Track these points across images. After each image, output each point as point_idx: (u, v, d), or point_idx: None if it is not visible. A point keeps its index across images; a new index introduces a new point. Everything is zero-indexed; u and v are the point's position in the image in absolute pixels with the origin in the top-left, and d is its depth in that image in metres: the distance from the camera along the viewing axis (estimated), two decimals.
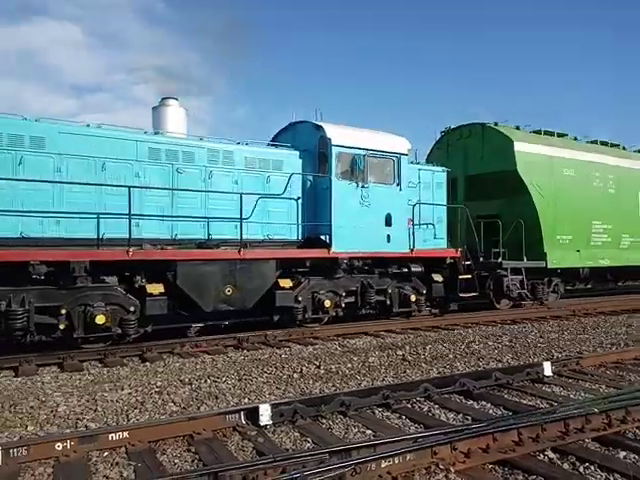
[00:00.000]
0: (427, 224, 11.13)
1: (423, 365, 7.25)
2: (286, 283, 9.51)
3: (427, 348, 8.28)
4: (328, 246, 9.77)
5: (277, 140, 11.13)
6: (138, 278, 8.19)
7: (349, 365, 7.18)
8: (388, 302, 10.67)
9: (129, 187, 7.97)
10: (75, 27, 68.72)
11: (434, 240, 11.38)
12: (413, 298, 10.77)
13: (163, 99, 10.18)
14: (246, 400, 5.58)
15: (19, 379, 6.57)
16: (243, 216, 8.86)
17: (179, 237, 8.86)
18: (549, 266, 12.94)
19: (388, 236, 10.43)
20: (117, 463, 3.94)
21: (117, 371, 6.98)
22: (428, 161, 14.07)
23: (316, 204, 10.03)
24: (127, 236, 7.91)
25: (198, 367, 7.15)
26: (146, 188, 8.47)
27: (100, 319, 7.62)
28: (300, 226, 9.94)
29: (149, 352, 8.16)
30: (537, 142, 13.54)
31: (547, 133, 14.46)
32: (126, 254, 7.82)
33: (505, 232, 12.51)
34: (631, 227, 15.00)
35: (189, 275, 8.48)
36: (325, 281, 9.99)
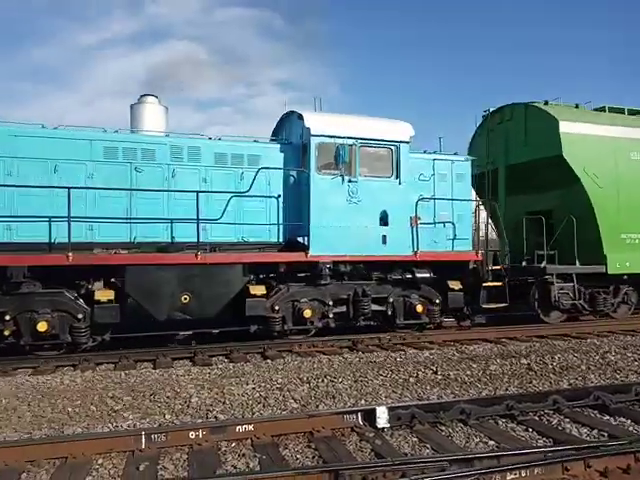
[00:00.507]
0: (439, 223, 9.69)
1: (551, 376, 6.77)
2: (258, 290, 8.51)
3: (555, 357, 7.71)
4: (306, 249, 8.79)
5: (275, 134, 10.32)
6: (84, 284, 7.84)
7: (468, 372, 6.92)
8: (390, 312, 9.35)
9: (68, 188, 7.50)
10: (198, 46, 74.29)
11: (449, 241, 9.74)
12: (420, 309, 9.31)
13: (141, 96, 9.69)
14: (362, 401, 5.62)
15: (157, 371, 7.20)
16: (213, 217, 8.23)
17: (138, 240, 8.23)
18: (610, 271, 10.64)
19: (384, 237, 9.09)
20: (244, 454, 4.17)
21: (242, 367, 7.36)
22: (470, 151, 12.39)
23: (300, 202, 8.97)
24: (83, 240, 7.75)
25: (315, 366, 7.33)
26: (94, 189, 8.00)
27: (42, 326, 7.29)
28: (281, 227, 8.93)
29: (269, 350, 8.54)
30: (594, 121, 11.09)
31: (614, 110, 11.91)
32: (66, 259, 7.40)
33: (554, 231, 10.77)
34: None
35: (138, 281, 7.87)
36: (308, 288, 8.87)
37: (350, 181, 8.93)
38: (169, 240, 8.36)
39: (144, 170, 8.39)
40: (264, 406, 5.47)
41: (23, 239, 7.70)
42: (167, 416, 5.21)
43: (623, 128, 11.09)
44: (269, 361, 7.77)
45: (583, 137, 10.69)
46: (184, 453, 4.19)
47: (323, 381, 6.39)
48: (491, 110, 12.64)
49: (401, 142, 9.23)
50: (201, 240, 8.15)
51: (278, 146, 9.31)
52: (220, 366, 7.47)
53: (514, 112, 12.06)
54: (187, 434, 4.32)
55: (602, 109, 11.95)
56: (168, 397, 5.77)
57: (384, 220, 9.12)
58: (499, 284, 9.87)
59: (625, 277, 11.08)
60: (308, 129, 8.82)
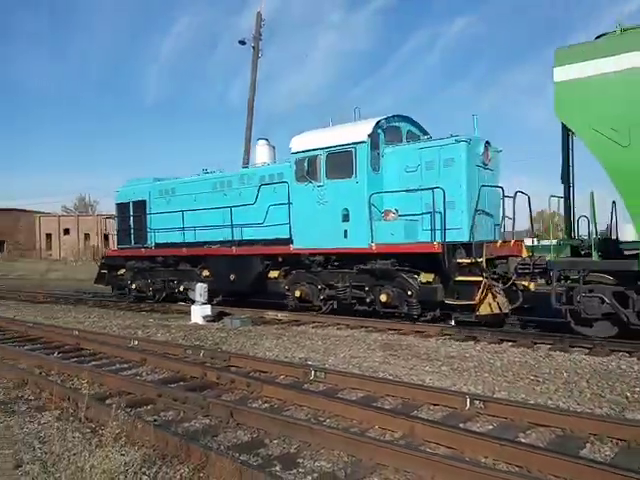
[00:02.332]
0: (426, 213, 9.29)
1: None
2: (274, 274, 11.25)
3: None
4: (290, 243, 10.67)
5: None
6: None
7: None
8: (368, 299, 9.84)
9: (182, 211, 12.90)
10: None
11: (427, 232, 9.26)
12: (383, 298, 9.46)
13: (258, 139, 13.71)
14: None
15: None
16: (262, 222, 11.25)
17: (222, 239, 12.23)
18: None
19: (345, 232, 9.97)
20: None
21: None
22: None
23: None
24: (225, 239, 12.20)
25: None
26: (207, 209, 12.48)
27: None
28: (284, 227, 10.92)
29: None
30: (615, 51, 7.14)
31: None
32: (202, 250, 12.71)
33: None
34: None
35: (213, 265, 12.40)
36: (305, 274, 10.78)
37: (318, 186, 10.26)
38: (239, 239, 11.87)
39: (227, 194, 12.30)
40: None
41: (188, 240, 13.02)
42: None
43: None
44: None
45: (603, 78, 7.27)
46: None
47: None
48: None
49: (357, 143, 9.76)
50: (245, 238, 11.75)
51: (289, 164, 10.93)
52: None
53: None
54: None
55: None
56: None
57: (346, 217, 9.97)
58: (478, 279, 8.66)
59: None
60: (290, 149, 10.78)
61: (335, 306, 10.68)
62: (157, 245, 13.79)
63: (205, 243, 12.47)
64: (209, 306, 11.07)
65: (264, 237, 11.33)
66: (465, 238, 9.05)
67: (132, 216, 14.45)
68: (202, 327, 10.14)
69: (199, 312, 10.83)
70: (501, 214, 9.88)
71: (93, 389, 5.47)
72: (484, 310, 8.89)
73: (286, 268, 11.23)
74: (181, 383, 5.93)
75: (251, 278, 11.62)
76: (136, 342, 8.20)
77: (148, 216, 13.88)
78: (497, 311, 8.99)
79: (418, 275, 9.27)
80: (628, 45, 7.15)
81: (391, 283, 9.55)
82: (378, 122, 9.99)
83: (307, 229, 10.47)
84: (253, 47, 22.56)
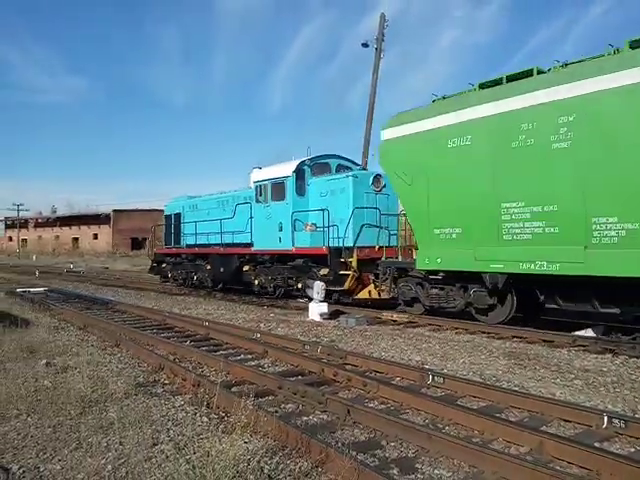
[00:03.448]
0: (332, 226, 12.44)
1: None
2: (246, 268, 15.10)
3: None
4: (252, 246, 14.77)
5: None
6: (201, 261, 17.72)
7: None
8: (295, 286, 13.35)
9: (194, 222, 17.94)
10: None
11: (334, 239, 12.41)
12: (300, 285, 13.09)
13: (253, 168, 15.65)
14: None
15: None
16: (238, 231, 15.24)
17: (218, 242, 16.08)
18: (418, 267, 9.93)
19: (280, 238, 13.68)
20: None
21: None
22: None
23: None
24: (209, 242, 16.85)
25: None
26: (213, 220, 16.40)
27: None
28: (250, 234, 14.86)
29: None
30: (422, 117, 9.67)
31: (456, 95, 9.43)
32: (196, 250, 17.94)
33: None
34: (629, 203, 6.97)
35: (212, 261, 16.52)
36: (263, 268, 14.51)
37: (266, 206, 14.29)
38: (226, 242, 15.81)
39: (224, 210, 16.23)
40: None
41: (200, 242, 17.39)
42: None
43: (447, 115, 9.22)
44: None
45: (402, 138, 10.07)
46: None
47: None
48: None
49: (286, 177, 13.63)
50: (228, 242, 15.64)
51: (251, 190, 14.95)
52: None
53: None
54: None
55: (442, 98, 9.70)
56: None
57: (281, 228, 13.70)
58: (348, 272, 11.98)
59: (441, 274, 9.88)
60: (251, 178, 15.11)
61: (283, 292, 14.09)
62: (187, 246, 18.38)
63: (209, 245, 16.64)
64: (326, 304, 11.29)
65: (239, 241, 15.28)
66: (350, 244, 12.35)
67: (172, 224, 19.41)
68: (319, 324, 10.36)
69: (316, 309, 11.08)
70: (397, 227, 12.19)
71: (221, 377, 5.82)
72: (362, 295, 12.16)
73: (253, 264, 14.91)
74: (299, 377, 6.10)
75: (232, 270, 15.56)
76: (259, 335, 8.60)
77: (182, 224, 18.74)
78: (376, 297, 12.09)
79: (320, 270, 12.46)
80: (419, 116, 9.76)
81: (306, 275, 12.93)
82: (302, 161, 13.78)
83: (260, 236, 14.48)
84: (376, 48, 22.62)
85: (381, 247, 12.19)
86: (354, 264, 11.95)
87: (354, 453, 3.64)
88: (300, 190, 13.53)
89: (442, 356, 7.29)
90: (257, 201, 14.53)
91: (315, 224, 12.88)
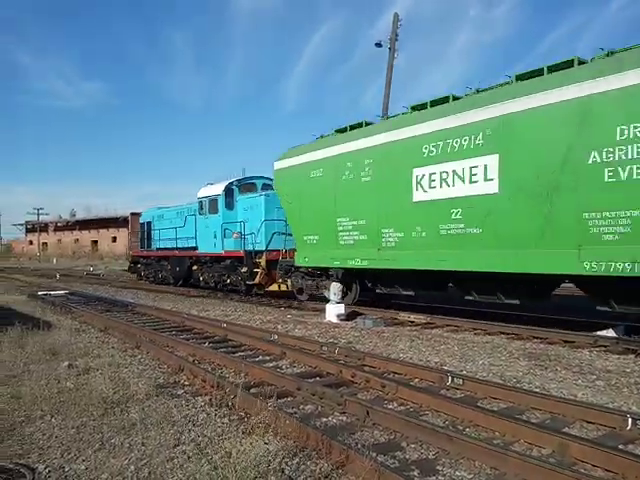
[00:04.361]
0: (241, 234, 16.22)
1: None
2: (195, 267, 18.92)
3: None
4: (197, 249, 18.57)
5: None
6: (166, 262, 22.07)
7: None
8: (228, 281, 16.91)
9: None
10: None
11: (251, 244, 16.02)
12: (228, 281, 16.80)
13: (207, 183, 18.94)
14: None
15: None
16: (187, 237, 19.15)
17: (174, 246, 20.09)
18: (297, 263, 13.20)
19: (215, 243, 17.26)
20: None
21: None
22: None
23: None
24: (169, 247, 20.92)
25: None
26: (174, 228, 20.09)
27: None
28: (195, 239, 18.74)
29: None
30: (298, 154, 13.13)
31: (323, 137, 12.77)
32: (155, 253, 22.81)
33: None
34: (398, 218, 10.23)
35: (172, 262, 20.93)
36: (207, 268, 18.16)
37: (205, 218, 17.90)
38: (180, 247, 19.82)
39: (180, 219, 19.77)
40: None
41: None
42: None
43: (310, 153, 12.63)
44: None
45: (285, 169, 13.41)
46: None
47: None
48: None
49: (218, 195, 17.31)
50: (182, 246, 19.57)
51: (197, 204, 18.67)
52: None
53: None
54: None
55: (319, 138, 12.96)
56: None
57: (215, 236, 17.22)
58: (258, 270, 15.41)
59: (309, 269, 13.34)
60: (197, 195, 18.57)
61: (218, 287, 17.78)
62: (156, 249, 22.01)
63: (170, 249, 20.46)
64: (343, 305, 11.29)
65: (189, 246, 18.97)
66: (262, 248, 15.63)
67: (145, 231, 23.15)
68: (336, 325, 10.37)
69: (333, 311, 11.08)
70: None
71: (240, 378, 5.87)
72: (272, 288, 15.34)
73: (199, 264, 18.57)
74: (318, 378, 6.12)
75: (185, 269, 19.59)
76: (276, 336, 8.63)
77: (152, 231, 22.45)
78: (285, 289, 14.89)
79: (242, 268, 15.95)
80: (297, 152, 13.01)
81: (234, 272, 16.43)
82: (231, 182, 17.40)
83: (202, 242, 18.16)
84: (389, 48, 22.57)
85: (287, 250, 14.75)
86: (263, 264, 15.25)
87: (374, 454, 3.63)
88: (229, 205, 17.23)
89: (461, 357, 7.24)
90: (200, 213, 18.33)
91: (240, 232, 16.24)
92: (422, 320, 10.53)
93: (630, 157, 6.62)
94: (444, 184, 9.11)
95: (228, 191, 17.16)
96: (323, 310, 11.43)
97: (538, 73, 7.91)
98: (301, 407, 5.01)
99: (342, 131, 11.86)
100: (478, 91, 8.98)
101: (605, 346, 7.73)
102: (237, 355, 7.43)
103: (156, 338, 8.56)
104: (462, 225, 8.83)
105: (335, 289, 11.50)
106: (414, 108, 10.15)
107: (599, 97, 6.95)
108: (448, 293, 11.43)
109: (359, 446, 3.85)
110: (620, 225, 6.75)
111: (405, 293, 11.42)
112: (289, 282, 14.39)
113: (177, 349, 7.74)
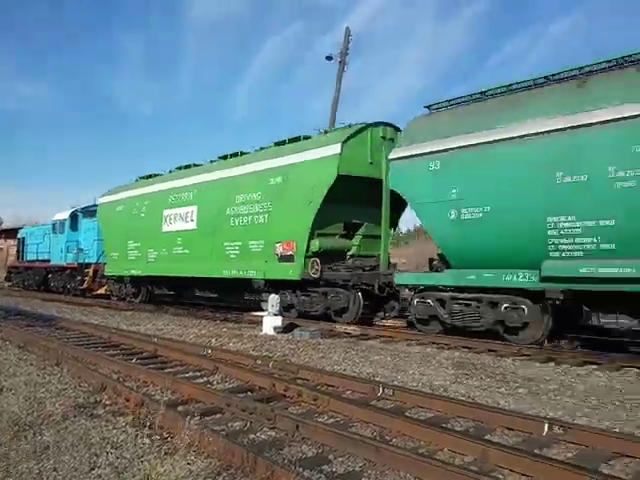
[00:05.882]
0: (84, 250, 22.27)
1: None
2: (49, 276, 24.40)
3: None
4: (50, 261, 24.07)
5: None
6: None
7: None
8: (68, 286, 22.46)
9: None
10: None
11: (82, 258, 21.99)
12: (69, 286, 22.57)
13: (71, 210, 24.15)
14: None
15: None
16: (44, 251, 24.58)
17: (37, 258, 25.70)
18: (105, 273, 19.84)
19: (61, 257, 22.84)
20: None
21: None
22: None
23: None
24: None
25: None
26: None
27: None
28: (49, 253, 24.45)
29: None
30: (112, 193, 19.94)
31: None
32: None
33: None
34: (155, 242, 16.85)
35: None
36: (58, 276, 23.45)
37: (56, 236, 23.36)
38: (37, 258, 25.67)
39: (41, 236, 25.30)
40: None
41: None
42: None
43: (119, 194, 19.56)
44: None
45: (108, 203, 20.06)
46: None
47: None
48: None
49: (65, 219, 23.06)
50: (39, 259, 25.23)
51: (51, 224, 24.69)
52: None
53: None
54: None
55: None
56: None
57: (62, 250, 22.86)
58: (86, 277, 21.67)
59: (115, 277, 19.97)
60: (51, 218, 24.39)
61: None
62: (26, 261, 26.66)
63: (33, 261, 25.61)
64: (280, 317, 11.20)
65: (46, 258, 24.02)
66: (93, 261, 21.26)
67: (20, 245, 27.62)
68: (272, 338, 10.26)
69: (270, 323, 10.97)
70: None
71: (166, 395, 5.65)
72: (100, 291, 20.63)
73: (52, 273, 23.82)
74: (249, 393, 6.00)
75: (42, 277, 24.76)
76: (209, 351, 8.42)
77: (25, 246, 26.81)
78: (105, 293, 20.31)
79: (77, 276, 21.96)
80: (113, 192, 20.10)
81: (73, 279, 22.13)
82: (75, 210, 22.99)
83: (54, 255, 23.31)
84: (340, 62, 22.87)
85: None
86: (90, 273, 21.04)
87: (301, 470, 3.58)
88: (74, 227, 22.71)
89: (393, 368, 7.34)
90: (53, 232, 23.51)
91: (79, 248, 21.82)
92: (358, 332, 10.62)
93: (239, 213, 13.52)
94: (175, 221, 15.73)
95: (74, 216, 22.99)
96: (260, 322, 11.29)
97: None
98: (229, 424, 4.88)
99: (143, 178, 18.68)
100: (187, 167, 16.76)
101: (528, 355, 8.09)
102: (166, 371, 7.17)
103: (79, 355, 8.11)
104: (181, 248, 15.39)
105: (273, 301, 11.38)
106: (150, 177, 18.55)
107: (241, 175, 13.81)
108: (190, 292, 18.06)
109: (286, 462, 3.78)
110: (235, 251, 13.60)
111: (169, 293, 18.73)
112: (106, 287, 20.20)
113: (101, 366, 7.36)
